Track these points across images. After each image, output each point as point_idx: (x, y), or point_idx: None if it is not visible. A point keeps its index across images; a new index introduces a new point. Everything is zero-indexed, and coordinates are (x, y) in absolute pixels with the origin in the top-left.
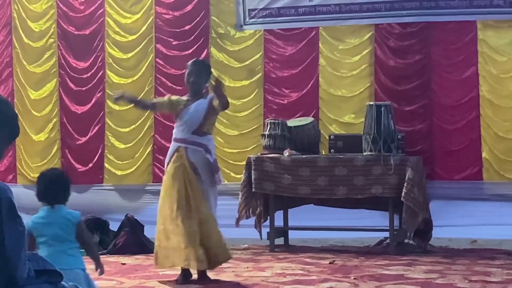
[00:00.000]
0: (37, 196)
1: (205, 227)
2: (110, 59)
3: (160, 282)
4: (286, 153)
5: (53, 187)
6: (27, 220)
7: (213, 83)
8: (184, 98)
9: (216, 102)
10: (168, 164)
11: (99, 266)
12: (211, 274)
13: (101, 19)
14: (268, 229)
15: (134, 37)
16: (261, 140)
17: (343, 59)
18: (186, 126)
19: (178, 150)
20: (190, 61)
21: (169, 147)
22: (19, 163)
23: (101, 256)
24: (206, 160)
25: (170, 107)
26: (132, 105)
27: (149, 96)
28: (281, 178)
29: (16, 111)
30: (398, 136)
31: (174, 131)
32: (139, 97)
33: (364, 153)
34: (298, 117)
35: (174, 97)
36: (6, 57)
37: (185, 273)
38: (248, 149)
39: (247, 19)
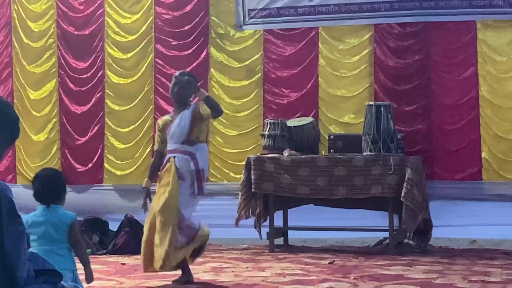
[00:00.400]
0: (33, 196)
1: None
2: (110, 59)
3: (159, 281)
4: (286, 153)
5: (47, 188)
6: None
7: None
8: (169, 116)
9: (205, 111)
10: (159, 176)
11: (87, 272)
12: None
13: (101, 19)
14: (267, 229)
15: (133, 37)
16: (261, 140)
17: (342, 59)
18: (173, 138)
19: (169, 160)
20: (177, 73)
21: None
22: (19, 163)
23: (100, 256)
24: (190, 167)
25: (164, 136)
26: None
27: (148, 96)
28: (280, 178)
29: (17, 114)
30: (398, 136)
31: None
32: (150, 171)
33: (364, 153)
34: (297, 117)
35: (161, 124)
36: (5, 57)
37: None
38: (248, 149)
39: (246, 19)
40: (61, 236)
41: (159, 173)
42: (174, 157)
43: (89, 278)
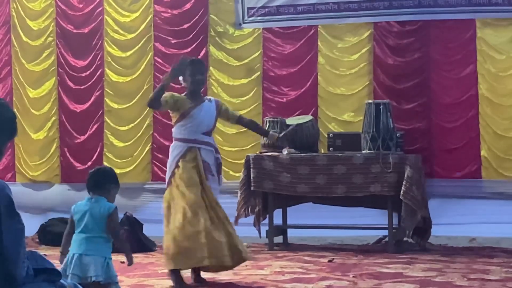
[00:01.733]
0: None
1: (226, 227)
2: (109, 58)
3: (158, 280)
4: (285, 151)
5: (93, 179)
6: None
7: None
8: (185, 97)
9: (224, 115)
10: (178, 162)
11: (128, 258)
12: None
13: (100, 18)
14: (267, 227)
15: (133, 35)
16: (260, 139)
17: (342, 57)
18: (197, 127)
19: (190, 150)
20: (189, 61)
21: (168, 145)
22: (18, 162)
23: None
24: (216, 160)
25: (173, 106)
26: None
27: (147, 95)
28: (280, 177)
29: (15, 112)
30: (397, 134)
31: (178, 131)
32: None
33: (363, 152)
34: (297, 115)
35: (177, 96)
36: (4, 55)
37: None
38: (247, 147)
39: (246, 18)
40: (99, 225)
41: (180, 161)
42: (199, 149)
43: (130, 262)
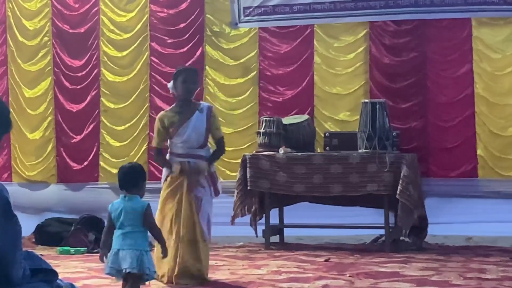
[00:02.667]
0: (119, 186)
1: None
2: (105, 57)
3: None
4: (281, 150)
5: (128, 177)
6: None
7: None
8: (172, 113)
9: (216, 129)
10: (167, 177)
11: (163, 250)
12: None
13: (96, 17)
14: (263, 227)
15: (129, 35)
16: (256, 138)
17: (338, 56)
18: (187, 143)
19: (180, 164)
20: (182, 68)
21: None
22: (14, 162)
23: (96, 254)
24: (208, 172)
25: (167, 132)
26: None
27: (144, 94)
28: (276, 176)
29: (8, 107)
30: (393, 134)
31: (170, 145)
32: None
33: (359, 151)
34: (293, 114)
35: (166, 121)
36: (0, 55)
37: None
38: (243, 147)
39: (242, 17)
40: (136, 221)
41: (169, 177)
42: (189, 163)
43: (165, 254)
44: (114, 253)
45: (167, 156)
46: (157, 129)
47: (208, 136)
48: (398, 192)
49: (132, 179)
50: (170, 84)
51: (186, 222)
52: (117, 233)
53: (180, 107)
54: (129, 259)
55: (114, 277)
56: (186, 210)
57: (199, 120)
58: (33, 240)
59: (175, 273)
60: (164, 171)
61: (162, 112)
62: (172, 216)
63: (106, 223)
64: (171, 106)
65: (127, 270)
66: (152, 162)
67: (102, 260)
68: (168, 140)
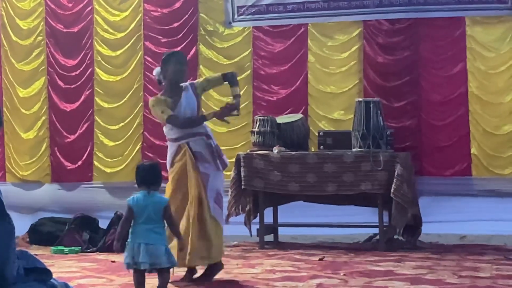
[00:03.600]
0: (136, 183)
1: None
2: (99, 57)
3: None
4: (276, 150)
5: (147, 177)
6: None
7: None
8: (164, 97)
9: (200, 86)
10: (172, 162)
11: (179, 244)
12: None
13: (90, 17)
14: (257, 226)
15: (122, 34)
16: (250, 137)
17: (331, 55)
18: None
19: (179, 147)
20: (172, 52)
21: (158, 144)
22: (8, 161)
23: (90, 254)
24: (209, 146)
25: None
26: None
27: (138, 94)
28: (270, 175)
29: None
30: (387, 132)
31: (167, 131)
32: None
33: (353, 150)
34: (287, 113)
35: (166, 101)
36: None
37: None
38: (237, 146)
39: (235, 16)
40: (158, 216)
41: (176, 158)
42: (188, 143)
43: (183, 247)
44: (144, 247)
45: (169, 145)
46: (162, 105)
47: (200, 112)
48: (392, 191)
49: (153, 176)
50: (157, 70)
51: (195, 201)
52: (142, 227)
53: (170, 92)
54: (159, 254)
55: (129, 270)
56: (194, 190)
57: (187, 98)
58: (27, 239)
59: (187, 256)
60: (169, 155)
61: (156, 96)
62: (185, 207)
63: (125, 215)
64: (161, 93)
65: (161, 265)
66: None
67: (117, 251)
68: (164, 130)
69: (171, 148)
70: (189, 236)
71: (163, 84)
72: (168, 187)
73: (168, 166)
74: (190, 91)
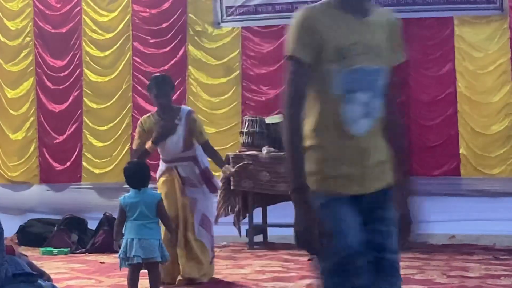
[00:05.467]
0: (127, 183)
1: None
2: (87, 57)
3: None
4: (265, 150)
5: (136, 176)
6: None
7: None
8: (153, 118)
9: (200, 137)
10: (159, 178)
11: (172, 238)
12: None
13: (78, 17)
14: (247, 227)
15: (111, 35)
16: (239, 138)
17: None
18: (169, 153)
19: (168, 168)
20: (151, 81)
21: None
22: None
23: (79, 255)
24: (195, 172)
25: (147, 138)
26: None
27: (126, 94)
28: (259, 176)
29: None
30: None
31: (160, 151)
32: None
33: None
34: (276, 114)
35: (146, 126)
36: None
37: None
38: (226, 146)
39: (224, 17)
40: (151, 212)
41: (161, 178)
42: (176, 167)
43: (175, 242)
44: (137, 242)
45: (160, 162)
46: (138, 130)
47: (188, 140)
48: None
49: (141, 176)
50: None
51: (181, 225)
52: (134, 223)
53: (162, 113)
54: (153, 248)
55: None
56: (181, 213)
57: (177, 134)
58: (16, 241)
59: (177, 277)
60: (159, 170)
61: (144, 117)
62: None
63: (118, 215)
64: (155, 111)
65: (155, 259)
66: None
67: (117, 250)
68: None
69: (161, 165)
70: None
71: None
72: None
73: (158, 175)
74: (183, 121)
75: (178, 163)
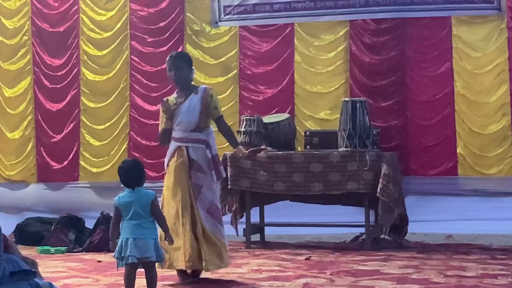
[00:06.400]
0: (121, 183)
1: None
2: (85, 56)
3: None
4: None
5: (130, 175)
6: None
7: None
8: (173, 97)
9: (214, 112)
10: (168, 162)
11: (168, 236)
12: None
13: (76, 16)
14: (244, 226)
15: (109, 34)
16: (237, 137)
17: (318, 55)
18: (182, 126)
19: (178, 148)
20: (168, 57)
21: (144, 144)
22: None
23: (76, 253)
24: (207, 156)
25: (171, 114)
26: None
27: (124, 93)
28: (256, 175)
29: None
30: (374, 132)
31: (174, 127)
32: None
33: (340, 149)
34: (273, 113)
35: (171, 102)
36: None
37: (184, 273)
38: (224, 145)
39: (222, 16)
40: (146, 211)
41: (170, 161)
42: (187, 147)
43: (171, 241)
44: (131, 241)
45: (170, 144)
46: (164, 110)
47: (203, 119)
48: (378, 190)
49: (135, 176)
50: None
51: (188, 212)
52: (130, 223)
53: (180, 93)
54: (148, 248)
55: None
56: (187, 200)
57: (192, 102)
58: (13, 239)
59: (186, 263)
60: (167, 156)
61: (164, 99)
62: (179, 207)
63: (113, 215)
64: (175, 92)
65: (150, 259)
66: None
67: (113, 250)
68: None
69: (171, 146)
70: (187, 247)
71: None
72: (166, 187)
73: (165, 167)
74: (199, 97)
75: (190, 144)
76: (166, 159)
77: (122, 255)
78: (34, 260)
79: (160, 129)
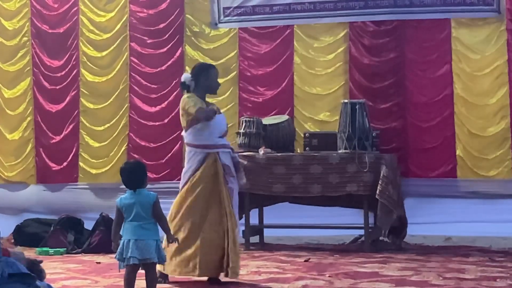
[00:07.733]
0: (123, 184)
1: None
2: (85, 58)
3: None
4: (261, 151)
5: (132, 177)
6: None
7: None
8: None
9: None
10: (196, 170)
11: (168, 237)
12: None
13: (75, 18)
14: (243, 227)
15: (108, 35)
16: (236, 138)
17: (317, 57)
18: (214, 130)
19: (209, 155)
20: (210, 64)
21: (143, 145)
22: None
23: (76, 255)
24: (235, 160)
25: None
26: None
27: (123, 95)
28: (256, 176)
29: None
30: (373, 134)
31: (194, 136)
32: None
33: (339, 151)
34: (273, 115)
35: (200, 100)
36: None
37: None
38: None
39: (221, 17)
40: (147, 213)
41: (199, 168)
42: (219, 153)
43: (172, 240)
44: (133, 243)
45: (191, 154)
46: (196, 100)
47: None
48: (377, 192)
49: (138, 177)
50: (186, 76)
51: (229, 215)
52: (131, 224)
53: (203, 100)
54: (149, 249)
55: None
56: (227, 204)
57: (219, 117)
58: (12, 240)
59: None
60: (191, 161)
61: (190, 93)
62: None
63: (115, 216)
64: (191, 93)
65: (151, 260)
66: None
67: (115, 251)
68: (186, 132)
69: (196, 155)
70: (224, 248)
71: (188, 90)
72: (185, 192)
73: (184, 172)
74: (222, 114)
75: (220, 149)
76: (191, 166)
77: (124, 256)
78: (35, 259)
79: (197, 107)
